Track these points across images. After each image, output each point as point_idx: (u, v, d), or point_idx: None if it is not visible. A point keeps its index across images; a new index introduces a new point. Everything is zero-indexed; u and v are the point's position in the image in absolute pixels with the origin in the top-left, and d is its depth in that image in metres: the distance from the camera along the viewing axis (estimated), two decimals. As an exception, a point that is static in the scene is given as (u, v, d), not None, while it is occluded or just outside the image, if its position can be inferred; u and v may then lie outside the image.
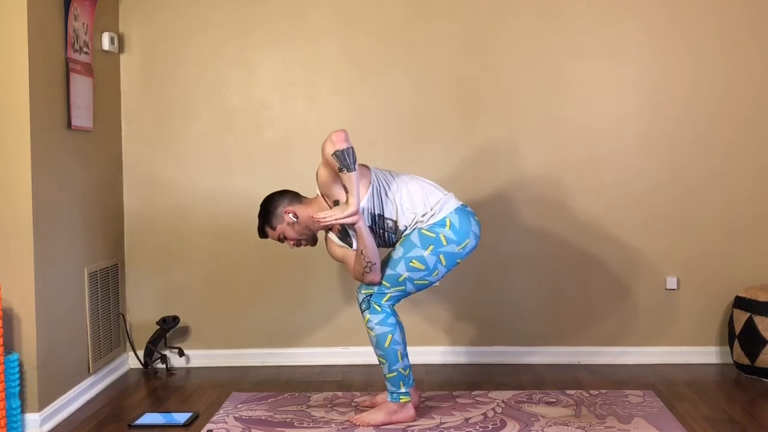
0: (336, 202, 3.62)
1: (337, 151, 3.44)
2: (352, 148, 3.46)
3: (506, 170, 4.76)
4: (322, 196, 3.70)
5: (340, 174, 3.49)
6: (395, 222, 3.67)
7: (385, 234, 3.70)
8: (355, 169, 3.46)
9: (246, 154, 4.79)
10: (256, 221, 4.77)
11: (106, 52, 4.59)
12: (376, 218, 3.66)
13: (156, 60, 4.78)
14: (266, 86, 4.80)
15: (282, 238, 3.78)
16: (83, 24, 4.22)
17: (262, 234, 3.82)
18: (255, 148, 4.78)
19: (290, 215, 3.73)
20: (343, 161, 3.44)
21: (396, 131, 4.76)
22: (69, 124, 4.08)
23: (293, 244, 3.80)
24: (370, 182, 3.64)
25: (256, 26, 4.76)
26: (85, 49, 4.24)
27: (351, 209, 3.51)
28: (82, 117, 4.20)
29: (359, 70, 4.77)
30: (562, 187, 4.76)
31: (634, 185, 4.75)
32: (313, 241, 3.83)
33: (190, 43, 4.77)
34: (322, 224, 3.62)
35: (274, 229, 3.77)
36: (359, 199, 3.53)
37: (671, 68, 4.71)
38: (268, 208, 3.77)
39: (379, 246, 3.74)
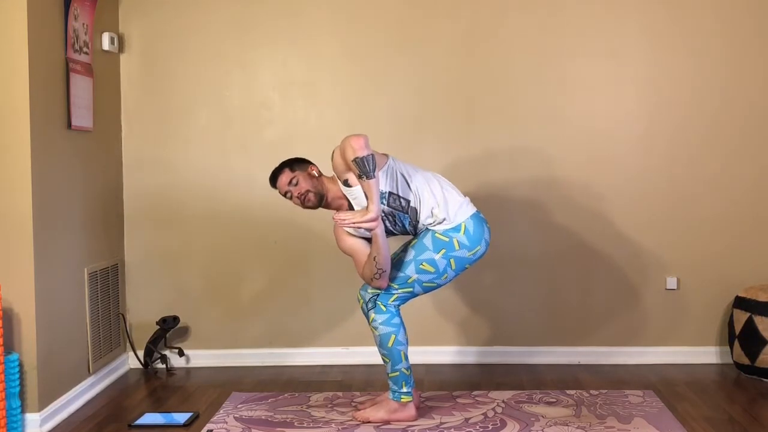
0: (345, 182, 3.63)
1: (357, 158, 3.45)
2: (372, 155, 3.47)
3: (506, 170, 4.76)
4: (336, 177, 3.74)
5: (360, 181, 3.51)
6: (409, 202, 3.66)
7: (397, 216, 3.68)
8: (374, 176, 3.48)
9: (246, 154, 4.79)
10: (256, 220, 4.80)
11: (106, 52, 4.59)
12: (387, 196, 3.64)
13: (156, 60, 4.78)
14: (266, 86, 4.80)
15: (294, 183, 3.70)
16: (83, 24, 4.22)
17: (276, 175, 3.75)
18: (255, 148, 4.78)
19: (314, 171, 3.77)
20: (363, 168, 3.45)
21: (396, 130, 4.75)
22: (69, 124, 4.08)
23: (300, 195, 3.70)
24: (385, 163, 3.65)
25: (256, 26, 4.76)
26: (85, 49, 4.24)
27: (371, 215, 3.52)
28: (82, 117, 4.20)
29: (359, 70, 4.77)
30: (561, 188, 4.76)
31: (635, 185, 4.75)
32: (319, 199, 3.73)
33: (190, 43, 4.77)
34: (337, 228, 3.66)
35: (292, 171, 3.73)
36: (379, 206, 3.54)
37: (672, 68, 4.71)
38: (295, 158, 3.81)
39: (391, 235, 3.74)
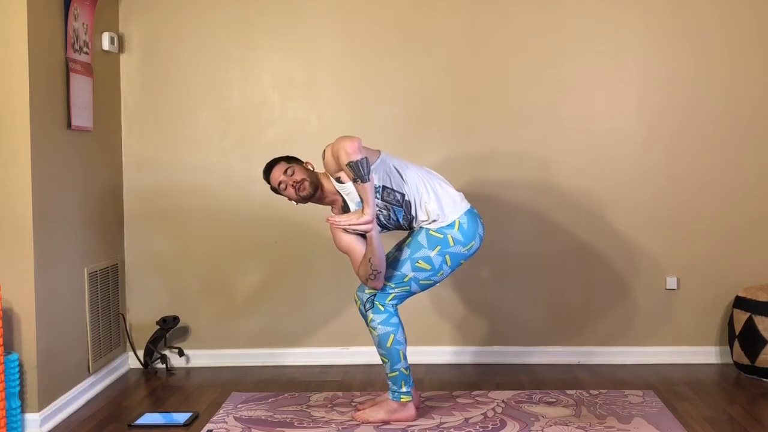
0: (338, 179, 3.64)
1: (351, 162, 3.45)
2: (366, 158, 3.47)
3: (507, 169, 4.76)
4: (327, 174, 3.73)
5: (355, 184, 3.52)
6: (403, 195, 3.66)
7: (391, 209, 3.68)
8: (369, 179, 3.49)
9: (246, 154, 4.79)
10: (256, 220, 4.80)
11: (106, 52, 4.59)
12: (381, 190, 3.64)
13: (156, 60, 4.78)
14: (266, 86, 4.80)
15: (289, 173, 3.68)
16: (83, 24, 4.22)
17: (271, 167, 3.75)
18: (255, 148, 4.78)
19: (309, 166, 3.78)
20: (358, 172, 3.46)
21: (395, 130, 4.75)
22: (69, 124, 4.08)
23: (296, 183, 3.67)
24: (378, 158, 3.64)
25: (256, 25, 4.76)
26: (85, 49, 4.24)
27: (366, 218, 3.54)
28: (82, 117, 4.20)
29: (359, 69, 4.77)
30: (562, 187, 4.76)
31: (635, 185, 4.75)
32: (314, 188, 3.69)
33: (190, 43, 4.77)
34: (334, 227, 3.66)
35: (288, 163, 3.73)
36: (375, 209, 3.55)
37: (673, 68, 4.71)
38: (289, 155, 3.82)
39: (385, 229, 3.74)
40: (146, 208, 4.81)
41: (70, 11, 4.06)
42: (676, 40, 4.70)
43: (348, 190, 3.65)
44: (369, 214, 3.53)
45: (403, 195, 3.66)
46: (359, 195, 3.56)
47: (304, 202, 3.77)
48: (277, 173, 3.73)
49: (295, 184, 3.68)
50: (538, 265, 4.80)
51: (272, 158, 3.81)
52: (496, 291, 4.82)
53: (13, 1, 3.66)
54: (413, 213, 3.69)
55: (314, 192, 3.71)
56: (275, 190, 3.79)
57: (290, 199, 3.75)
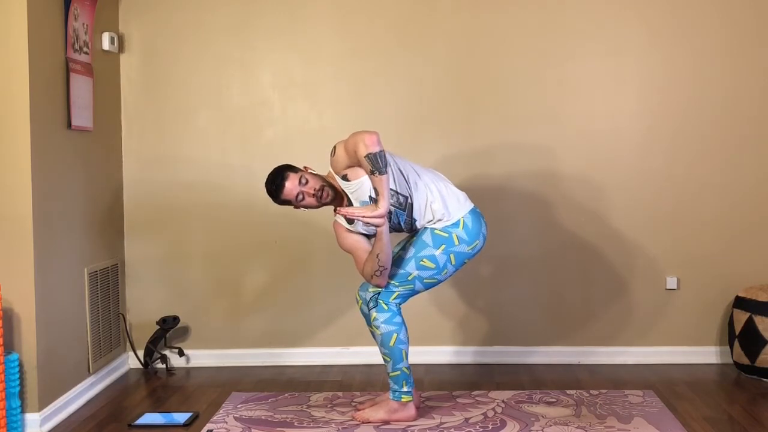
0: (344, 177, 3.62)
1: (370, 153, 3.44)
2: (384, 151, 3.47)
3: (506, 170, 4.76)
4: (333, 172, 3.70)
5: (371, 177, 3.49)
6: (407, 198, 3.65)
7: (394, 212, 3.66)
8: (386, 172, 3.47)
9: (246, 154, 4.79)
10: (256, 220, 4.80)
11: (106, 52, 4.59)
12: None
13: (156, 60, 4.78)
14: (266, 86, 4.80)
15: (304, 182, 3.60)
16: (83, 24, 4.22)
17: (281, 183, 3.59)
18: (255, 148, 4.78)
19: (311, 170, 3.71)
20: (376, 164, 3.45)
21: (395, 130, 4.74)
22: (69, 124, 4.08)
23: (317, 191, 3.60)
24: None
25: (256, 25, 4.76)
26: (85, 49, 4.24)
27: (380, 211, 3.49)
28: (82, 117, 4.20)
29: (359, 69, 4.77)
30: (562, 187, 4.76)
31: (635, 185, 4.75)
32: (334, 191, 3.65)
33: (189, 43, 4.77)
34: (346, 218, 3.63)
35: (296, 172, 3.63)
36: (389, 202, 3.51)
37: (673, 67, 4.71)
38: (287, 164, 3.70)
39: (389, 231, 3.72)
40: (146, 208, 4.81)
41: (70, 11, 4.06)
42: (676, 40, 4.70)
43: (353, 188, 3.64)
44: (383, 207, 3.48)
45: (406, 198, 3.66)
46: (374, 187, 3.50)
47: (316, 207, 3.71)
48: (292, 186, 3.61)
49: (316, 192, 3.62)
50: (538, 265, 4.80)
51: (272, 171, 3.68)
52: (496, 291, 4.82)
53: (13, 1, 3.66)
54: (415, 215, 3.69)
55: (336, 194, 3.69)
56: (285, 203, 3.68)
57: (306, 208, 3.68)
